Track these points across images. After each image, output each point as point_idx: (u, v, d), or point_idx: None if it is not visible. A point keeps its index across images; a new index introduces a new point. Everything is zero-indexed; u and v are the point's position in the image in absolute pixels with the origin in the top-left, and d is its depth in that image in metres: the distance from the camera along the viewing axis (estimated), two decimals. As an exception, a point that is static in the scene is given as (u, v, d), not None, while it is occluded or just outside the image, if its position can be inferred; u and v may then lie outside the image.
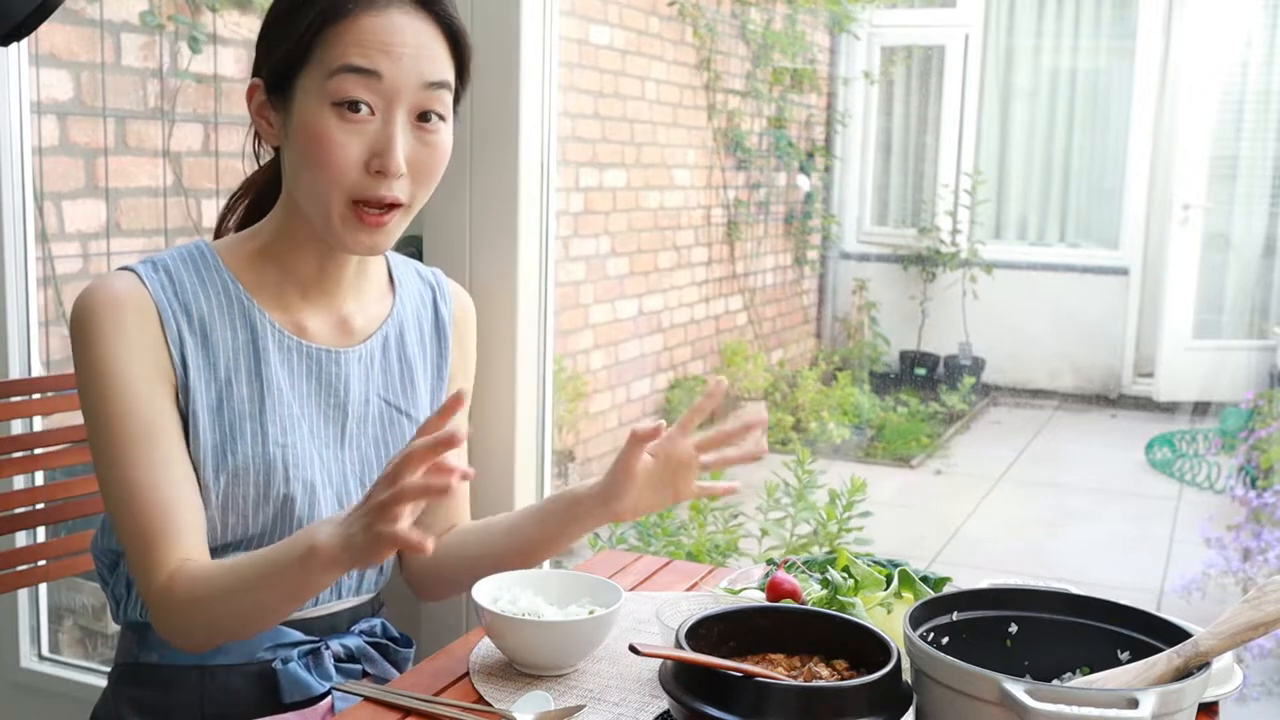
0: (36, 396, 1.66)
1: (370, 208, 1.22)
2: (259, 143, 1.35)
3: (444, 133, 1.25)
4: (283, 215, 1.30)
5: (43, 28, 1.37)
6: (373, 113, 1.20)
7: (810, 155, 7.07)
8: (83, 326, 1.21)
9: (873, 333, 7.07)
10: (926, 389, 6.69)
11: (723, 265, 6.33)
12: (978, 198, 7.00)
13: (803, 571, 1.34)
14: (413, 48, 1.21)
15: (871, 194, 7.52)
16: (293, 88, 1.23)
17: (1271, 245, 6.39)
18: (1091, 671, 1.06)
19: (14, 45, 1.72)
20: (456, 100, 1.29)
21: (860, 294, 7.22)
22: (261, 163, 1.39)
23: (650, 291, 5.65)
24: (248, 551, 1.24)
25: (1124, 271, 6.89)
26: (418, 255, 1.64)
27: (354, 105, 1.19)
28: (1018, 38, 7.16)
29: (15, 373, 1.93)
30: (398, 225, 1.25)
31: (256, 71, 1.27)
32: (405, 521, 1.05)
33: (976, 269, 6.94)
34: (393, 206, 1.23)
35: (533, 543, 1.38)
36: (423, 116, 1.23)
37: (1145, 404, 6.61)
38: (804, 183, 7.04)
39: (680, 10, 5.66)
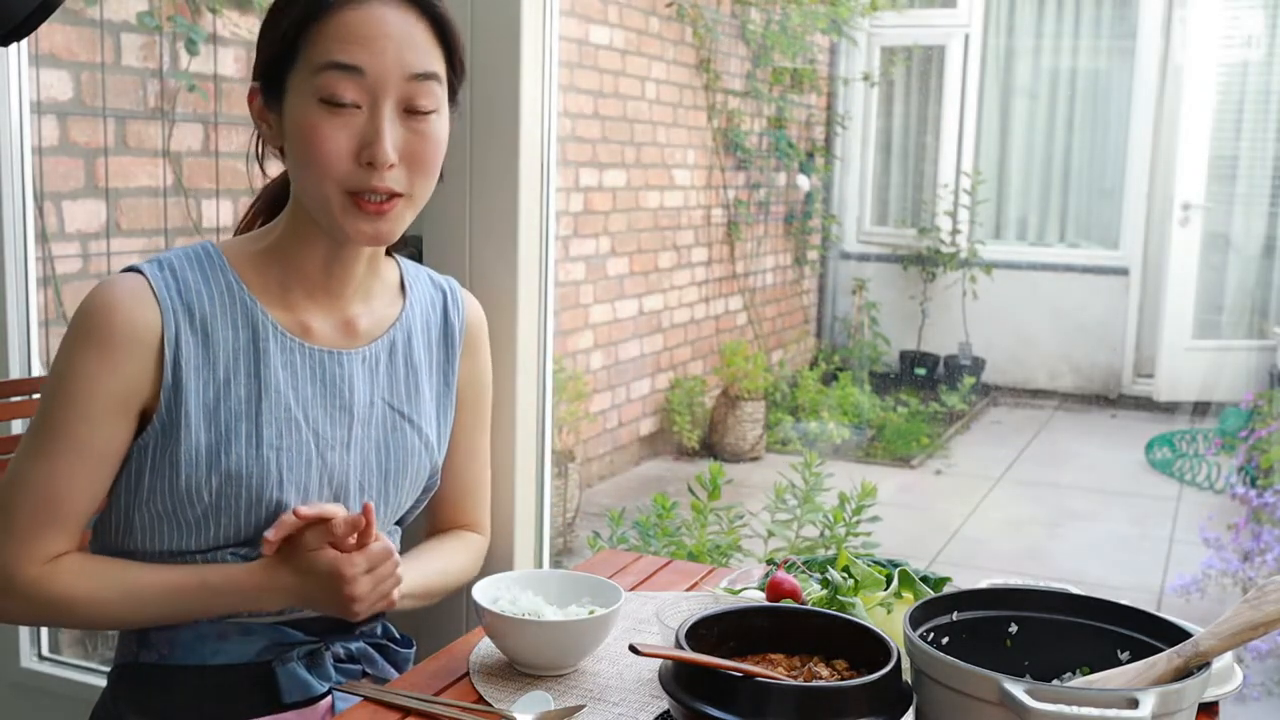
0: (36, 396, 1.66)
1: (368, 197, 1.22)
2: (261, 146, 1.35)
3: (435, 123, 1.25)
4: (291, 215, 1.30)
5: (43, 28, 1.37)
6: (359, 107, 1.21)
7: (810, 155, 7.06)
8: (72, 328, 1.23)
9: (873, 333, 7.07)
10: (926, 389, 6.69)
11: (723, 265, 6.32)
12: (977, 198, 6.99)
13: (803, 571, 1.34)
14: (395, 40, 1.21)
15: (871, 194, 7.51)
16: (284, 87, 1.23)
17: (1271, 245, 6.39)
18: (1091, 671, 1.06)
19: (14, 45, 1.72)
20: (454, 92, 1.29)
21: (860, 294, 7.22)
22: (264, 166, 1.39)
23: (650, 291, 5.64)
24: (205, 558, 1.26)
25: (1124, 271, 6.88)
26: (418, 255, 1.64)
27: (340, 100, 1.20)
28: (1018, 38, 7.15)
29: (15, 373, 1.93)
30: (401, 215, 1.25)
31: (255, 75, 1.28)
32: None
33: (976, 269, 6.94)
34: (393, 196, 1.23)
35: None
36: (411, 108, 1.23)
37: (1145, 404, 6.61)
38: (804, 183, 7.03)
39: (679, 11, 5.66)
